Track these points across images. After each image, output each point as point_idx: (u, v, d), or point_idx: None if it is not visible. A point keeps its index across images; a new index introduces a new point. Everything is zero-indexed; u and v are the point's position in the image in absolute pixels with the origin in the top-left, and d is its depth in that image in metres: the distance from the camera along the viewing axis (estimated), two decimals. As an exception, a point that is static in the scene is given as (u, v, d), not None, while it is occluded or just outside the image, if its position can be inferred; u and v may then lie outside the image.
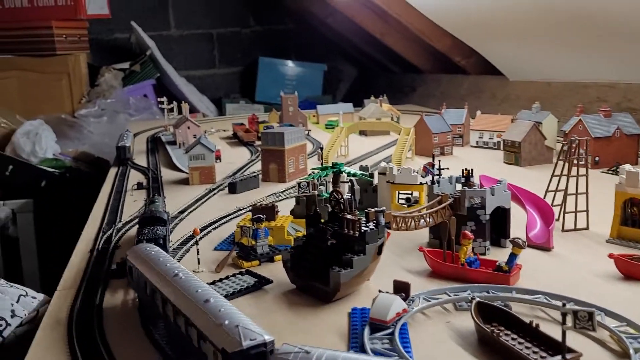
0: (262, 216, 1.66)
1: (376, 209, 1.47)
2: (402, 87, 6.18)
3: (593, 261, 1.62)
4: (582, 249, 1.74)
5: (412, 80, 6.10)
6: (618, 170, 2.69)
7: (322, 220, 1.53)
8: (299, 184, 1.75)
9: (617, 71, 3.64)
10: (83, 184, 4.09)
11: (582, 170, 1.89)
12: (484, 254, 1.70)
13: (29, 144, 4.10)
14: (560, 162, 1.96)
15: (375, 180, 2.20)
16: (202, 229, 1.96)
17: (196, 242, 1.64)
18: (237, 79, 6.71)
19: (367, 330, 1.19)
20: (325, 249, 1.45)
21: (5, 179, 3.92)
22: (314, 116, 4.83)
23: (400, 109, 4.99)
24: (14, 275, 3.77)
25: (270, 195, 2.45)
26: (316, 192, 1.69)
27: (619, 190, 1.77)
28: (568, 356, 1.05)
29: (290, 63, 6.61)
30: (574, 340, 1.17)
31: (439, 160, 1.98)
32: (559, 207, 1.94)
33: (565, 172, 1.92)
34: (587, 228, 1.90)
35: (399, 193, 2.20)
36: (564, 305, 1.01)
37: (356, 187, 1.67)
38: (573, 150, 1.90)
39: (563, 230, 1.89)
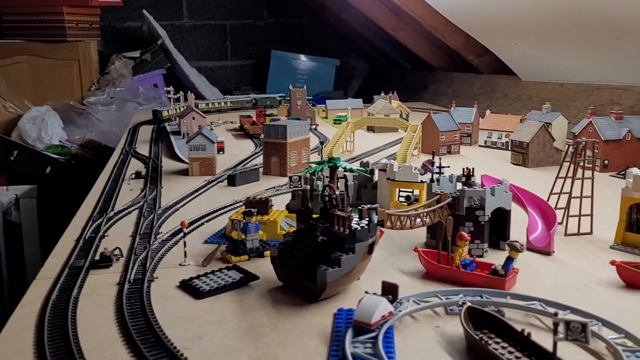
0: (252, 210, 1.62)
1: (369, 206, 1.42)
2: (414, 84, 6.11)
3: (595, 268, 1.55)
4: (585, 254, 1.67)
5: (425, 78, 6.02)
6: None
7: (314, 216, 1.49)
8: (290, 177, 1.70)
9: (632, 74, 3.53)
10: (88, 171, 4.09)
11: (589, 174, 1.82)
12: (481, 256, 1.64)
13: (35, 129, 4.10)
14: (566, 164, 1.89)
15: (376, 177, 2.15)
16: (195, 221, 1.92)
17: (183, 235, 1.60)
18: (248, 71, 6.68)
19: (350, 333, 1.14)
20: (314, 246, 1.40)
21: (9, 164, 3.92)
22: (323, 111, 4.79)
23: (412, 106, 4.93)
24: (15, 260, 3.78)
25: (270, 188, 2.40)
26: (308, 187, 1.63)
27: (624, 195, 1.70)
28: (559, 369, 0.99)
29: (302, 57, 6.56)
30: (568, 350, 1.11)
31: (440, 159, 1.91)
32: (563, 211, 1.87)
33: (570, 174, 1.85)
34: (591, 233, 1.83)
35: (399, 190, 2.15)
36: (556, 314, 0.95)
37: (350, 182, 1.61)
38: (580, 152, 1.83)
39: (566, 235, 1.83)
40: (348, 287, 1.41)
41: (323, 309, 1.31)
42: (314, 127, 4.14)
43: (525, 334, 1.10)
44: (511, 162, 2.99)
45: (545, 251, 1.66)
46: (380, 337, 1.12)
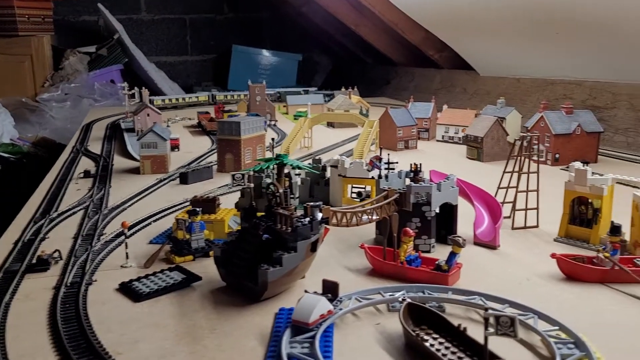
0: (197, 209, 1.58)
1: (312, 203, 1.40)
2: (377, 79, 6.13)
3: (538, 261, 1.57)
4: (530, 247, 1.69)
5: (387, 73, 6.05)
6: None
7: (259, 214, 1.47)
8: (233, 175, 1.67)
9: (584, 69, 3.62)
10: (41, 171, 3.96)
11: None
12: (428, 251, 1.65)
13: (-16, 128, 3.95)
14: (519, 159, 1.91)
15: (328, 174, 2.14)
16: (142, 221, 1.87)
17: (124, 236, 1.56)
18: (209, 66, 6.59)
19: (288, 333, 1.12)
20: (257, 245, 1.38)
21: (-44, 164, 3.78)
22: (284, 106, 4.76)
23: (373, 102, 4.94)
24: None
25: (223, 186, 2.37)
26: (252, 185, 1.61)
27: (567, 189, 1.73)
28: (491, 363, 1.00)
29: (264, 52, 6.51)
30: (504, 344, 1.12)
31: (388, 154, 1.91)
32: (511, 205, 1.90)
33: (517, 169, 1.88)
34: (538, 226, 1.86)
35: (352, 187, 2.14)
36: (486, 310, 0.96)
37: (294, 180, 1.59)
38: (525, 147, 1.86)
39: (513, 228, 1.85)
40: (292, 286, 1.40)
41: (265, 309, 1.29)
42: (273, 123, 4.11)
43: (462, 329, 1.10)
44: (467, 157, 3.02)
45: (491, 245, 1.68)
46: (318, 337, 1.10)
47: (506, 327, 0.94)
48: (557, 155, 2.77)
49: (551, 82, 3.94)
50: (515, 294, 1.35)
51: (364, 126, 3.20)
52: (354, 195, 2.10)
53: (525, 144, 1.85)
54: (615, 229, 1.43)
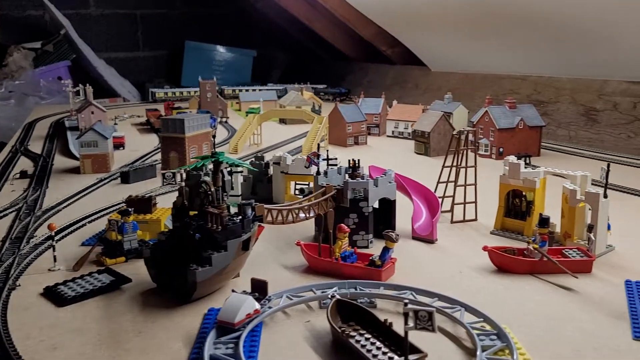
0: (129, 209, 1.54)
1: (243, 201, 1.39)
2: (332, 75, 6.12)
3: (473, 254, 1.60)
4: (466, 241, 1.72)
5: (342, 69, 6.05)
6: (525, 160, 2.73)
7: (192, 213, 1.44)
8: (163, 174, 1.63)
9: (529, 65, 3.70)
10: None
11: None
12: (367, 247, 1.65)
13: None
14: (457, 153, 1.93)
15: (271, 171, 2.12)
16: (75, 223, 1.82)
17: (52, 238, 1.51)
18: (162, 62, 6.46)
19: (212, 334, 1.10)
20: (188, 245, 1.35)
21: None
22: (237, 103, 4.71)
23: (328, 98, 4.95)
24: None
25: (166, 185, 2.32)
26: (184, 184, 1.58)
27: (502, 182, 1.76)
28: (412, 357, 1.00)
29: (218, 48, 6.42)
30: (431, 337, 1.13)
31: (327, 151, 1.91)
32: (451, 199, 1.92)
33: (456, 163, 1.90)
34: (476, 219, 1.89)
35: (295, 183, 2.13)
36: (405, 304, 0.96)
37: (227, 178, 1.57)
38: (464, 142, 1.88)
39: (452, 222, 1.88)
40: (225, 285, 1.38)
41: (194, 310, 1.27)
42: (224, 120, 4.07)
43: (388, 324, 1.11)
44: (415, 152, 3.05)
45: (429, 239, 1.70)
46: (243, 337, 1.09)
47: (424, 321, 0.95)
48: (501, 149, 2.83)
49: (499, 77, 4.02)
50: (447, 287, 1.37)
51: (313, 122, 3.20)
52: (297, 192, 2.09)
53: (463, 138, 1.87)
54: (543, 221, 1.46)
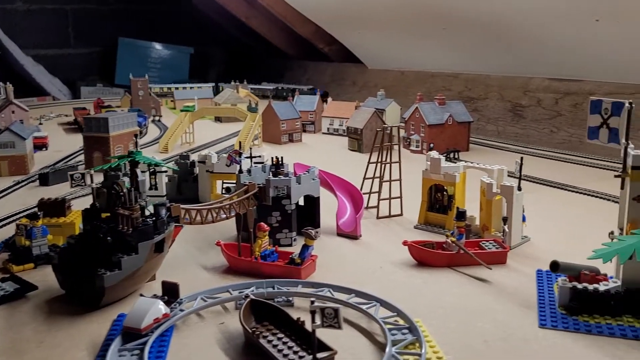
0: (38, 213, 1.47)
1: (157, 202, 1.34)
2: (271, 72, 6.08)
3: (396, 249, 1.60)
4: (390, 236, 1.73)
5: (281, 66, 6.02)
6: (449, 156, 2.79)
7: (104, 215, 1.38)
8: (71, 175, 1.57)
9: (460, 63, 3.79)
10: None
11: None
12: (290, 245, 1.63)
13: None
14: (381, 150, 1.95)
15: (197, 170, 2.07)
16: (-16, 228, 1.72)
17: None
18: (95, 60, 6.23)
19: (117, 341, 1.06)
20: (99, 248, 1.29)
21: None
22: (171, 101, 4.60)
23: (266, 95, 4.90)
24: None
25: (75, 186, 2.21)
26: (93, 185, 1.51)
27: (424, 177, 1.79)
28: (321, 355, 0.99)
29: (154, 45, 6.25)
30: (345, 334, 1.13)
31: (250, 148, 1.88)
32: (377, 195, 1.93)
33: (381, 159, 1.91)
34: (402, 214, 1.91)
35: (223, 182, 2.09)
36: (312, 302, 0.95)
37: (140, 178, 1.52)
38: (386, 137, 1.90)
39: (378, 218, 1.89)
40: (139, 289, 1.33)
41: (103, 316, 1.21)
42: (157, 118, 3.96)
43: (300, 322, 1.09)
44: (348, 149, 3.06)
45: (353, 235, 1.70)
46: (150, 343, 1.05)
47: (331, 318, 0.94)
48: (431, 145, 2.88)
49: (432, 75, 4.10)
50: (367, 283, 1.37)
51: (245, 120, 3.16)
52: (224, 191, 2.05)
53: (388, 134, 1.88)
54: (460, 215, 1.49)
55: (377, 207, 1.90)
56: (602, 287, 1.21)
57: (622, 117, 1.20)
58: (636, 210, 1.19)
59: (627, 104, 1.19)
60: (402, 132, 3.13)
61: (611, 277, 1.26)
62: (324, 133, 3.53)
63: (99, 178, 1.82)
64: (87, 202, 1.76)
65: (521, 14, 2.94)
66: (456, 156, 2.76)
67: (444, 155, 2.78)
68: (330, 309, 0.94)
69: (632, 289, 1.18)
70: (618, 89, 2.85)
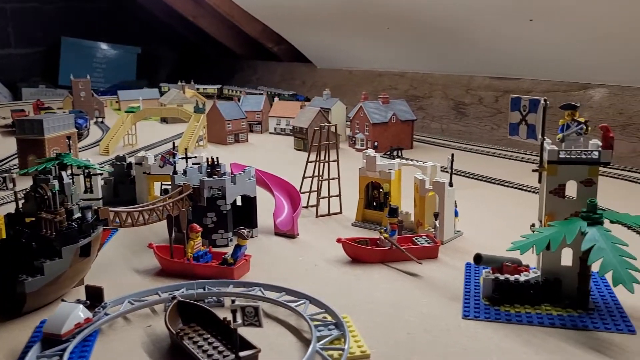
0: (-45, 218, 1.41)
1: (84, 204, 1.31)
2: (221, 72, 6.03)
3: (332, 247, 1.62)
4: (327, 234, 1.74)
5: (230, 66, 5.98)
6: (393, 154, 2.83)
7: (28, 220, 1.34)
8: (-9, 179, 1.51)
9: (406, 62, 3.85)
10: None
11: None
12: (226, 245, 1.63)
13: None
14: (319, 148, 1.96)
15: (134, 172, 2.04)
16: None
17: None
18: (37, 60, 6.03)
19: (36, 348, 1.03)
20: (22, 254, 1.25)
21: None
22: (116, 102, 4.50)
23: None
24: None
25: (21, 190, 2.15)
26: (14, 189, 1.47)
27: (361, 175, 1.81)
28: (244, 353, 0.99)
29: (99, 44, 6.10)
30: (272, 331, 1.13)
31: (185, 149, 1.87)
32: (316, 193, 1.94)
33: (319, 158, 1.92)
34: (341, 212, 1.93)
35: (162, 184, 2.06)
36: (233, 302, 0.95)
37: (66, 180, 1.48)
38: (322, 137, 1.91)
39: (317, 216, 1.90)
40: (65, 295, 1.29)
41: (25, 323, 1.18)
42: (100, 120, 3.87)
43: (226, 322, 1.09)
44: (294, 148, 3.07)
45: (290, 234, 1.71)
46: (70, 349, 1.03)
47: (251, 317, 0.95)
48: (375, 143, 2.92)
49: (379, 74, 4.15)
50: (300, 281, 1.38)
51: (189, 121, 3.12)
52: (162, 192, 2.02)
53: (324, 133, 1.90)
54: (392, 211, 1.52)
55: (317, 205, 1.91)
56: (522, 277, 1.25)
57: (539, 114, 1.25)
58: (553, 203, 1.24)
59: (542, 101, 1.23)
60: (348, 131, 3.16)
61: (533, 268, 1.31)
62: (271, 133, 3.52)
63: (25, 182, 1.76)
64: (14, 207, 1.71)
65: (461, 14, 3.01)
66: (399, 154, 2.81)
67: (388, 153, 2.86)
68: (251, 308, 0.94)
69: (550, 279, 1.23)
70: (554, 87, 2.96)
